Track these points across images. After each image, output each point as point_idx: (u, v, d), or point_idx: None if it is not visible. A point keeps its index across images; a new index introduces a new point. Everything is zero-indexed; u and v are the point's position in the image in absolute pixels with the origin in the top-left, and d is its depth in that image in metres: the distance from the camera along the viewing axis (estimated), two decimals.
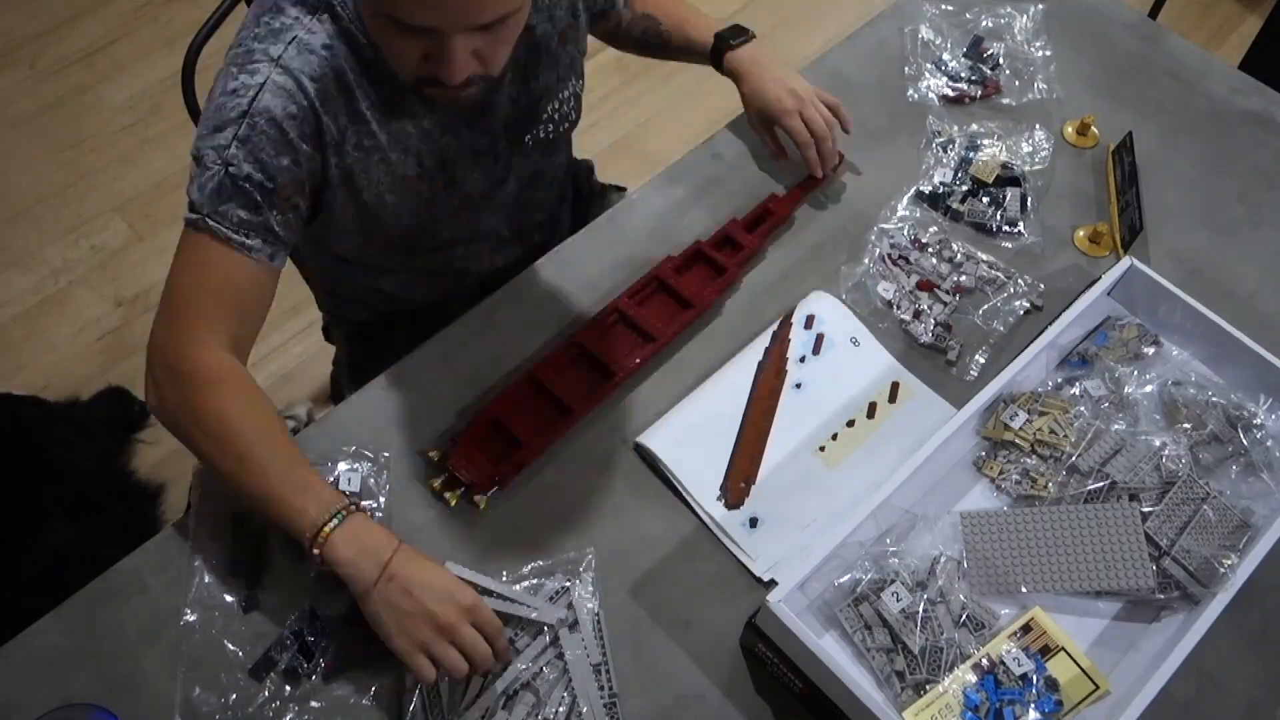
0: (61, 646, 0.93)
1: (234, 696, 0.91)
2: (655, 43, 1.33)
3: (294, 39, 0.92)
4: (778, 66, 1.28)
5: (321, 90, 0.94)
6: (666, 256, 1.21)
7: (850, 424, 1.12)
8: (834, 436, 1.11)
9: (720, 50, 1.29)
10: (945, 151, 1.35)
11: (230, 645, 0.94)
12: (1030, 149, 1.37)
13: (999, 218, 1.29)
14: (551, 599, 0.98)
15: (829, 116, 1.26)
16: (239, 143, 0.91)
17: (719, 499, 1.05)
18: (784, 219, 1.27)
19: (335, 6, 0.94)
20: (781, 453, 1.09)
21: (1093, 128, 1.40)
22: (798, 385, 1.13)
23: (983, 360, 1.17)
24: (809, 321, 1.18)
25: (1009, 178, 1.32)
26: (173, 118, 2.36)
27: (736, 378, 1.13)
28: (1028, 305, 1.21)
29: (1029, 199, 1.31)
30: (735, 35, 1.29)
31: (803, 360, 1.14)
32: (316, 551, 0.87)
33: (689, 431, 1.08)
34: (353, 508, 0.90)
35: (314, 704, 0.91)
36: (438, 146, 1.06)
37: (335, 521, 0.88)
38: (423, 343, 1.15)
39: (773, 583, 1.00)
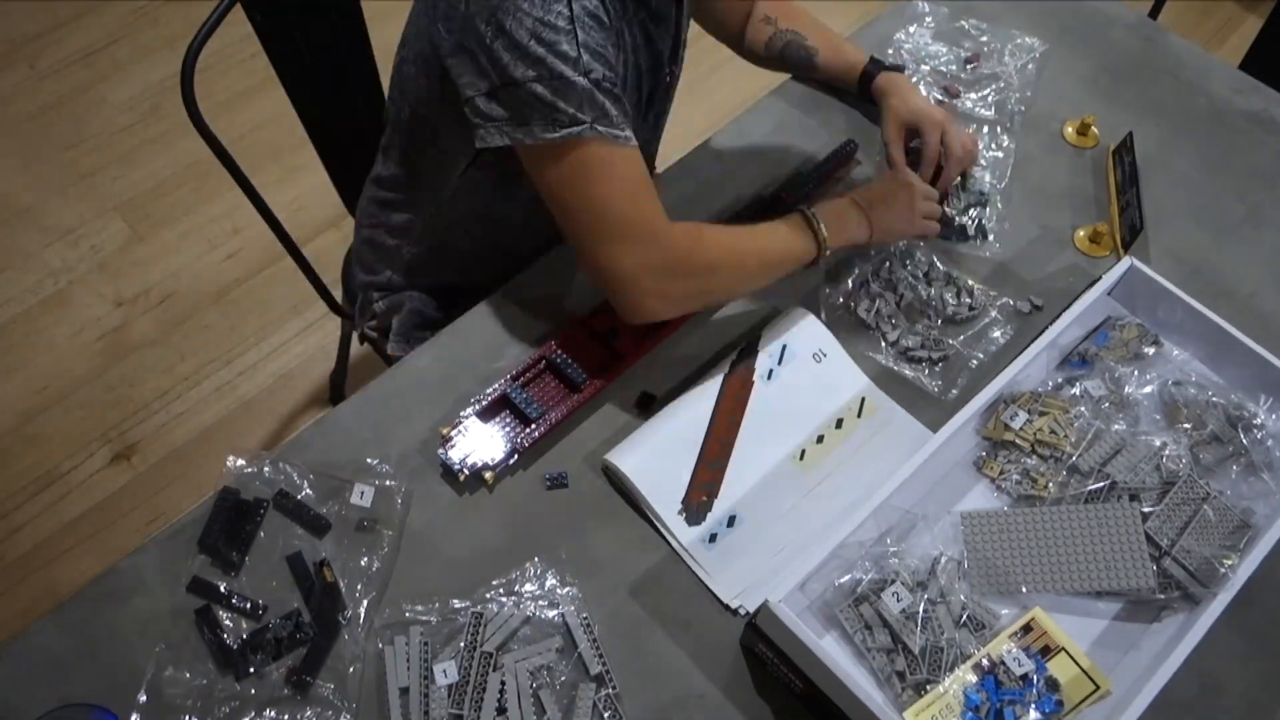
0: (61, 646, 0.93)
1: (202, 682, 0.92)
2: (799, 59, 1.37)
3: None
4: (919, 93, 1.35)
5: None
6: None
7: (820, 440, 1.11)
8: (800, 455, 1.09)
9: (874, 72, 1.34)
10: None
11: (208, 634, 0.94)
12: (992, 154, 1.37)
13: (968, 229, 1.29)
14: (545, 603, 0.98)
15: (969, 145, 1.30)
16: (584, 48, 0.92)
17: (680, 513, 1.04)
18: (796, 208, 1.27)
19: None
20: (745, 466, 1.08)
21: (1093, 128, 1.40)
22: (769, 374, 1.13)
23: (963, 382, 1.17)
24: (755, 341, 1.17)
25: (972, 190, 1.33)
26: (173, 118, 2.36)
27: (703, 394, 1.11)
28: (1010, 333, 1.21)
29: (986, 209, 1.31)
30: (885, 66, 1.36)
31: (770, 375, 1.13)
32: (829, 254, 1.13)
33: (655, 450, 1.06)
34: (815, 219, 1.11)
35: (272, 709, 0.92)
36: (644, 56, 1.10)
37: (823, 229, 1.11)
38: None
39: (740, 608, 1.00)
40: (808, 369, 1.15)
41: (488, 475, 1.04)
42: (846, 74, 1.36)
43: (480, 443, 1.05)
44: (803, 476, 1.08)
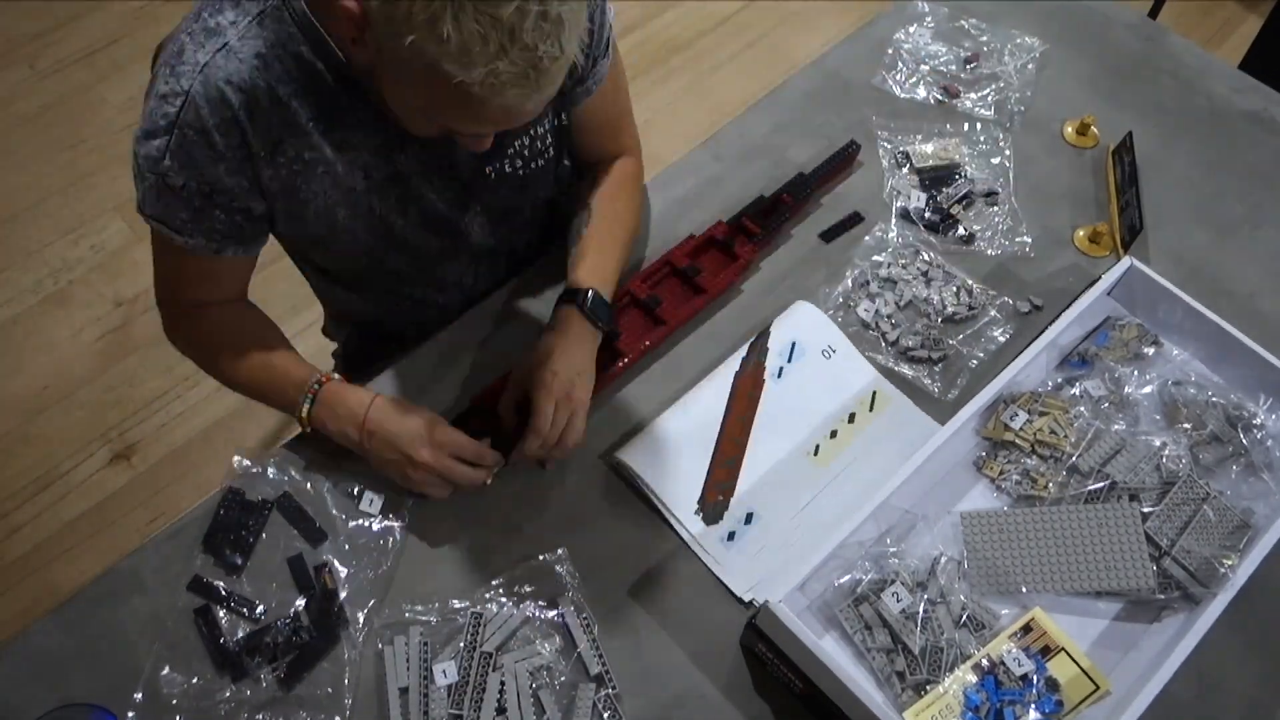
0: (61, 646, 0.93)
1: (195, 680, 0.92)
2: (570, 242, 1.14)
3: (224, 45, 0.88)
4: (586, 358, 1.06)
5: (249, 102, 0.89)
6: (687, 237, 1.22)
7: (833, 434, 1.11)
8: (815, 450, 1.10)
9: (568, 300, 1.07)
10: (900, 167, 1.34)
11: (206, 634, 0.94)
12: (989, 155, 1.37)
13: (960, 231, 1.29)
14: (544, 603, 0.98)
15: (571, 437, 1.02)
16: (170, 154, 0.91)
17: (696, 512, 1.04)
18: (799, 209, 1.28)
19: (279, 9, 0.89)
20: (759, 463, 1.08)
21: (1093, 128, 1.40)
22: (779, 372, 1.13)
23: (963, 382, 1.17)
24: (765, 334, 1.17)
25: (964, 191, 1.32)
26: None
27: (713, 392, 1.12)
28: (1010, 332, 1.21)
29: (971, 205, 1.31)
30: (597, 307, 1.06)
31: (780, 373, 1.13)
32: (309, 430, 1.03)
33: (667, 447, 1.07)
34: (317, 385, 1.02)
35: (268, 711, 0.92)
36: (389, 160, 1.00)
37: (307, 405, 1.02)
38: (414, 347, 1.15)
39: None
40: (817, 365, 1.15)
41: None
42: (566, 271, 1.11)
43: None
44: (818, 472, 1.08)
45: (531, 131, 1.07)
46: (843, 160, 1.32)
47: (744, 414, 1.10)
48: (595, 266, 1.09)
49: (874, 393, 1.14)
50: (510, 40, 0.74)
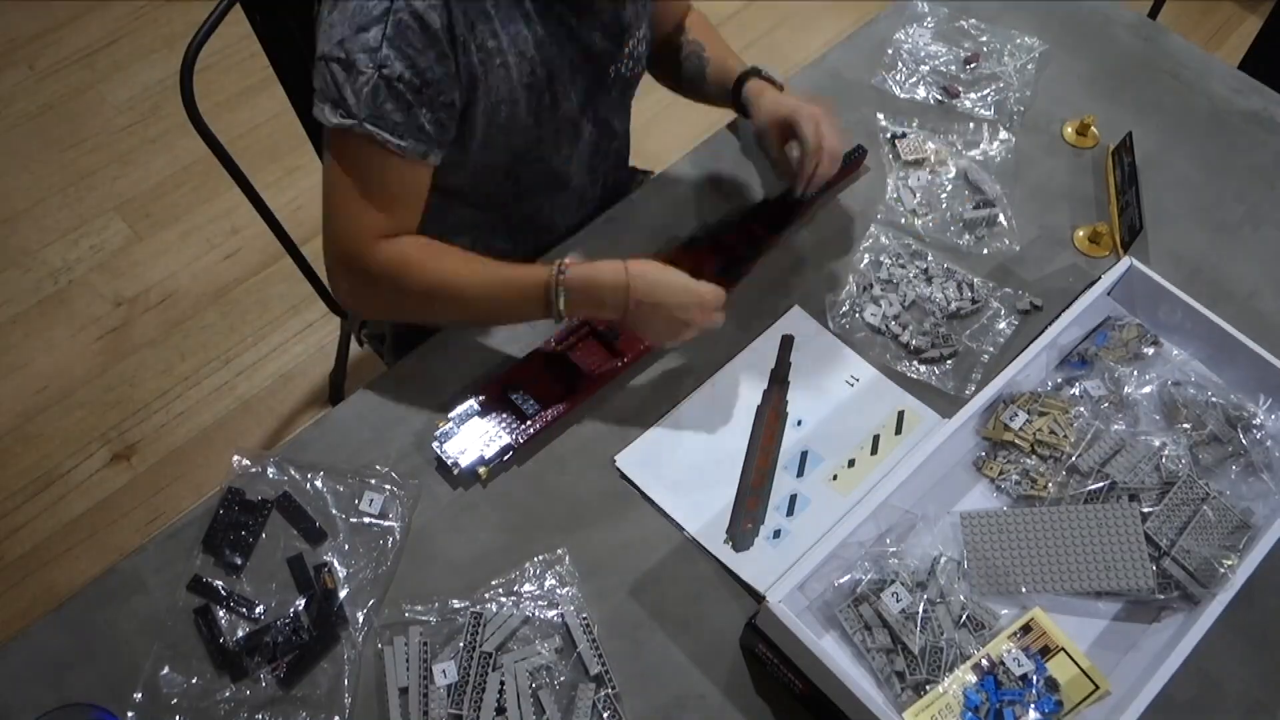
0: (61, 646, 0.93)
1: (195, 681, 0.92)
2: (694, 69, 1.30)
3: None
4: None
5: None
6: (689, 239, 1.23)
7: (851, 464, 1.10)
8: (834, 477, 1.09)
9: (747, 76, 1.24)
10: (900, 168, 1.34)
11: (206, 633, 0.94)
12: (990, 153, 1.37)
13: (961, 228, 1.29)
14: (544, 603, 0.98)
15: (836, 144, 1.17)
16: (388, 42, 0.90)
17: (726, 542, 1.04)
18: (805, 212, 1.28)
19: None
20: (785, 490, 1.08)
21: (1093, 128, 1.40)
22: (799, 422, 1.13)
23: (977, 377, 1.17)
24: (787, 342, 1.18)
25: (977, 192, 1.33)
26: (173, 118, 2.36)
27: (732, 413, 1.12)
28: (1016, 323, 1.21)
29: (970, 205, 1.31)
30: (761, 73, 1.26)
31: (799, 424, 1.12)
32: (565, 320, 1.03)
33: (684, 470, 1.08)
34: (562, 273, 1.00)
35: (267, 711, 0.92)
36: (546, 56, 1.04)
37: (562, 299, 1.00)
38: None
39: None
40: (842, 396, 1.15)
41: (482, 470, 1.04)
42: (724, 80, 1.27)
43: (475, 438, 1.06)
44: (842, 498, 1.08)
45: (636, 39, 1.16)
46: (850, 164, 1.32)
47: (768, 445, 1.10)
48: (737, 62, 1.26)
49: (900, 412, 1.14)
50: None
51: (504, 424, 1.07)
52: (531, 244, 1.27)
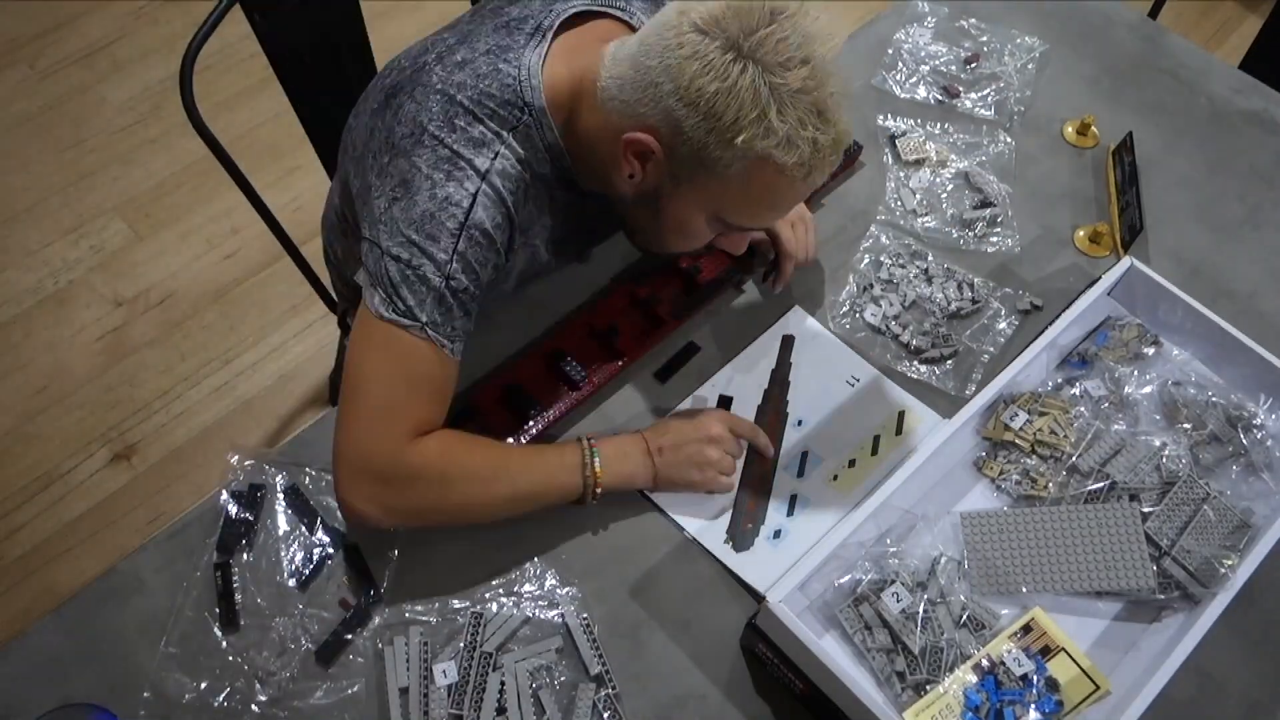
0: (61, 646, 0.93)
1: (204, 685, 0.92)
2: None
3: (498, 153, 0.92)
4: None
5: (517, 202, 0.94)
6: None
7: (852, 464, 1.10)
8: (835, 478, 1.09)
9: None
10: (900, 168, 1.35)
11: (217, 632, 0.95)
12: (991, 153, 1.37)
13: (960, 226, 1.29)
14: (544, 604, 0.98)
15: (811, 244, 1.21)
16: (458, 256, 0.90)
17: (726, 542, 1.04)
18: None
19: (528, 128, 0.93)
20: (786, 490, 1.08)
21: (1093, 128, 1.40)
22: (799, 422, 1.13)
23: (978, 377, 1.17)
24: (788, 343, 1.17)
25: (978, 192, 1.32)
26: (173, 118, 2.36)
27: (733, 412, 1.11)
28: (1016, 323, 1.21)
29: (970, 205, 1.31)
30: None
31: (800, 424, 1.13)
32: (597, 493, 1.01)
33: None
34: (587, 452, 1.00)
35: (282, 710, 0.92)
36: (559, 234, 1.07)
37: (596, 461, 1.00)
38: None
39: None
40: (842, 395, 1.15)
41: None
42: None
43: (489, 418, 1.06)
44: (843, 497, 1.08)
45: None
46: (845, 161, 1.32)
47: (770, 446, 1.10)
48: None
49: (901, 413, 1.14)
50: (822, 120, 0.84)
51: (505, 424, 1.07)
52: None
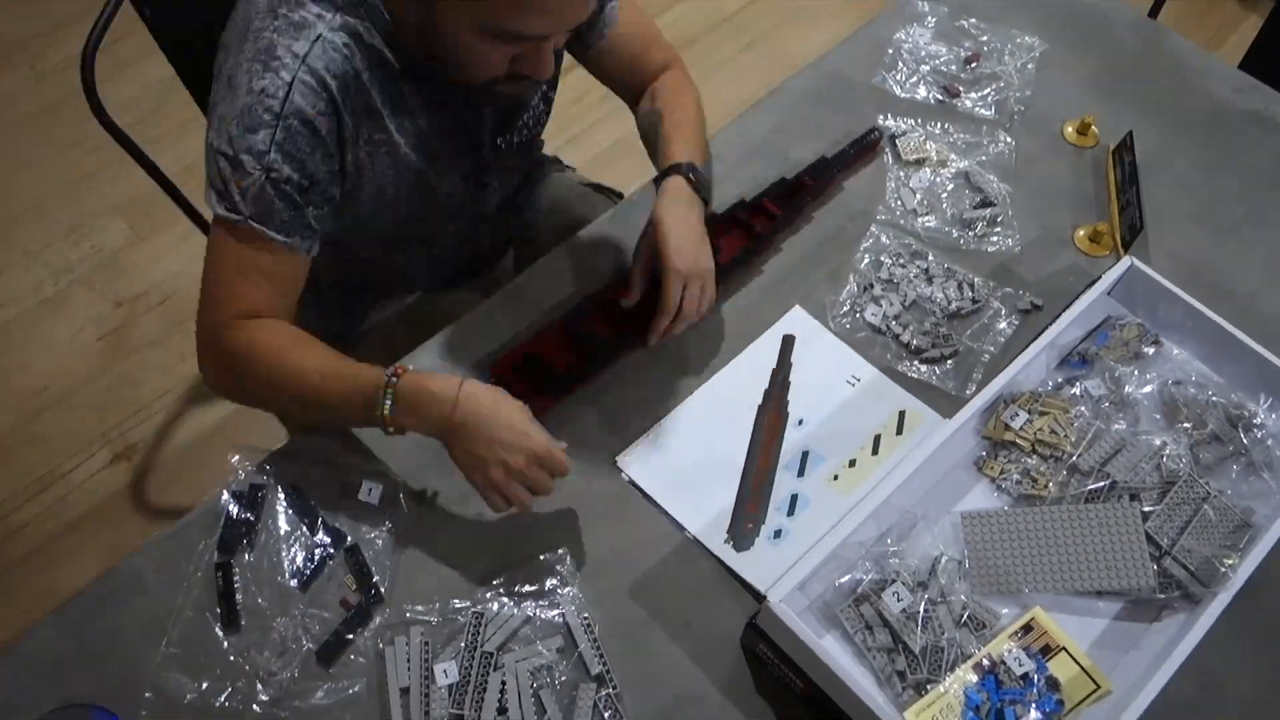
0: (61, 647, 0.93)
1: (205, 685, 0.92)
2: (648, 140, 1.22)
3: (318, 37, 0.93)
4: (701, 225, 1.12)
5: (342, 87, 0.95)
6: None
7: (852, 464, 1.10)
8: (835, 478, 1.09)
9: (673, 170, 1.13)
10: (899, 163, 1.35)
11: (218, 632, 0.95)
12: (991, 153, 1.37)
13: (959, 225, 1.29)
14: (545, 603, 0.98)
15: (704, 306, 1.11)
16: (276, 146, 0.92)
17: (727, 542, 1.04)
18: (820, 193, 1.29)
19: (353, 4, 0.95)
20: (786, 490, 1.08)
21: (1093, 127, 1.40)
22: (800, 422, 1.13)
23: (978, 376, 1.17)
24: (789, 343, 1.18)
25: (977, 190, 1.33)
26: (173, 118, 2.36)
27: (732, 413, 1.12)
28: (1016, 323, 1.21)
29: (970, 204, 1.31)
30: (700, 174, 1.14)
31: (800, 423, 1.13)
32: (391, 430, 0.95)
33: (685, 470, 1.08)
34: (394, 379, 0.94)
35: (283, 710, 0.92)
36: (432, 142, 1.07)
37: (388, 403, 0.94)
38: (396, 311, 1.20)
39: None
40: (843, 396, 1.15)
41: None
42: (660, 162, 1.17)
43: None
44: (843, 497, 1.08)
45: (533, 108, 1.18)
46: (866, 146, 1.32)
47: (769, 446, 1.11)
48: (684, 146, 1.15)
49: (901, 413, 1.14)
50: None
51: (530, 387, 1.08)
52: (419, 259, 1.30)
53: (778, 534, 1.05)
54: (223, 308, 0.98)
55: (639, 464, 1.07)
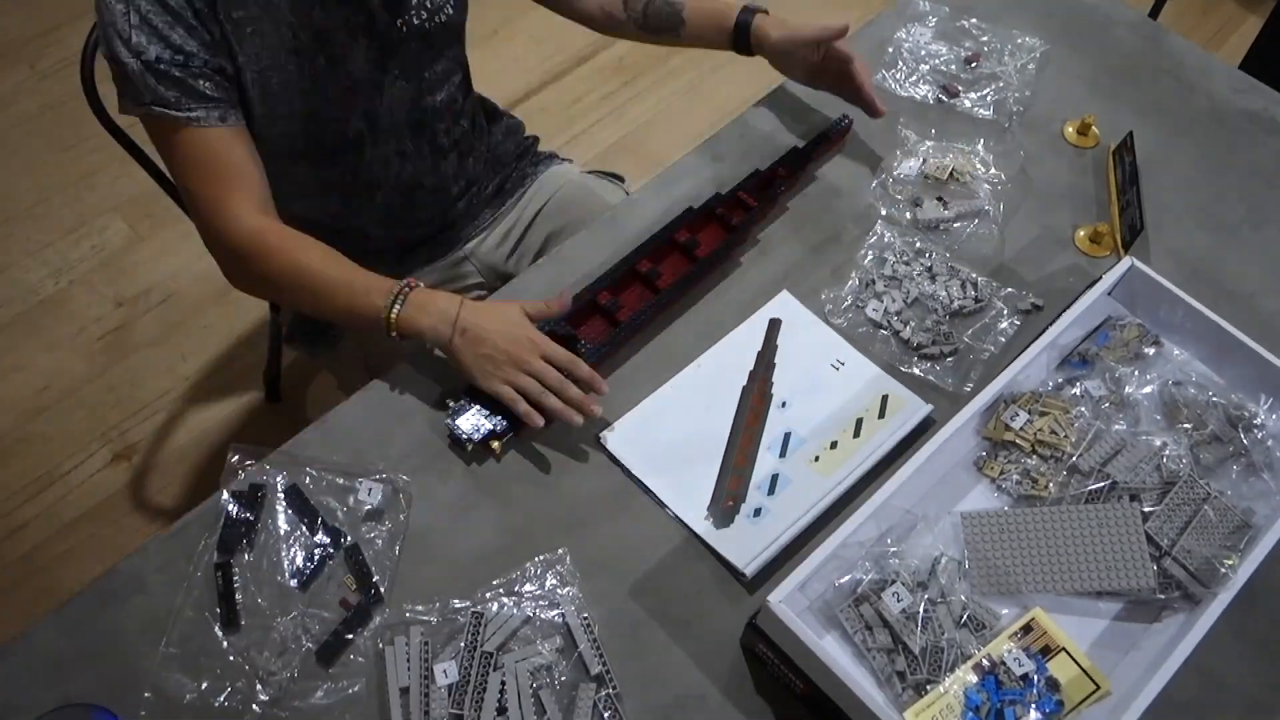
0: (61, 646, 0.93)
1: (205, 685, 0.92)
2: (666, 21, 1.31)
3: None
4: None
5: None
6: (685, 210, 1.24)
7: (834, 445, 1.11)
8: (816, 459, 1.10)
9: (748, 19, 1.28)
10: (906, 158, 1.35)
11: (218, 632, 0.95)
12: (991, 153, 1.37)
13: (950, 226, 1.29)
14: (545, 603, 0.98)
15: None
16: (135, 31, 0.96)
17: (707, 519, 1.04)
18: (794, 183, 1.30)
19: None
20: (768, 470, 1.09)
21: (1093, 128, 1.40)
22: (784, 404, 1.13)
23: (976, 375, 1.17)
24: (775, 326, 1.18)
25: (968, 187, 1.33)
26: None
27: (717, 393, 1.13)
28: (1017, 323, 1.21)
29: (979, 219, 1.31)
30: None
31: (784, 405, 1.13)
32: (395, 335, 1.03)
33: (668, 449, 1.08)
34: (408, 288, 1.03)
35: (283, 710, 0.92)
36: (310, 19, 1.06)
37: (397, 306, 1.02)
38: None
39: (757, 580, 1.01)
40: (827, 379, 1.15)
41: (495, 445, 1.05)
42: (717, 24, 1.28)
43: (487, 415, 1.06)
44: (824, 479, 1.08)
45: None
46: (837, 133, 1.33)
47: (752, 426, 1.11)
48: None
49: (884, 397, 1.14)
50: None
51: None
52: (369, 206, 1.30)
53: (757, 512, 1.05)
54: (209, 208, 1.05)
55: (624, 442, 1.08)
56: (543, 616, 0.97)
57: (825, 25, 1.24)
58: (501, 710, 0.92)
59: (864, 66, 1.28)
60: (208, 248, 1.10)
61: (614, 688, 0.94)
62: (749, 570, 1.00)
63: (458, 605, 0.97)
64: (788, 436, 1.11)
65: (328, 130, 1.17)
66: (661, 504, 1.05)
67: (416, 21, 1.16)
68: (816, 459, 1.09)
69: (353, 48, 1.12)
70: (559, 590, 0.99)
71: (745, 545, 1.02)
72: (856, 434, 1.11)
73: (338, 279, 1.06)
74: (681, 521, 1.04)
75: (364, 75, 1.15)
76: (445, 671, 0.93)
